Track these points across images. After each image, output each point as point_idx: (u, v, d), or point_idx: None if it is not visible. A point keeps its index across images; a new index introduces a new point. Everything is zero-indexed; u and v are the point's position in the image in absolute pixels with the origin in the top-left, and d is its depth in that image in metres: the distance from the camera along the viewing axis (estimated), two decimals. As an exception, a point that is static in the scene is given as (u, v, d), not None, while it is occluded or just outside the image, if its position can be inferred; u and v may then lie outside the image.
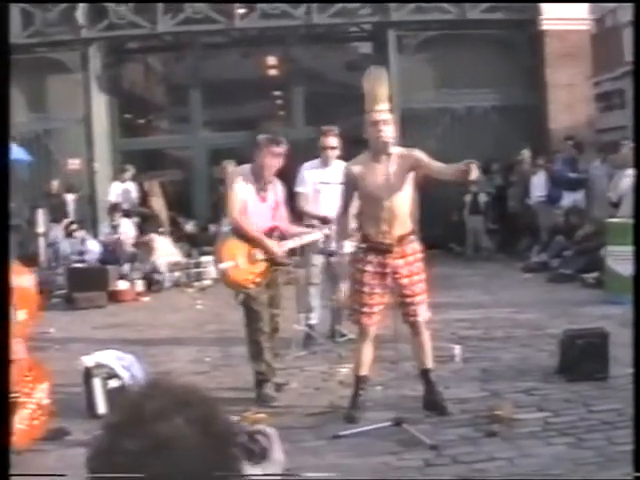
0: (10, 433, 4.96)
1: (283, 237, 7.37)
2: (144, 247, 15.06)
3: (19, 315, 6.10)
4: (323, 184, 8.93)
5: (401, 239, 6.43)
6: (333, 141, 9.01)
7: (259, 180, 7.28)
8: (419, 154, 6.48)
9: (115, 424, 1.46)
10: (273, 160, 7.26)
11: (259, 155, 7.26)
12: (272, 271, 7.28)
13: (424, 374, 6.74)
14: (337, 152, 9.01)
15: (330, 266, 9.02)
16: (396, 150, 6.39)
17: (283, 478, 1.74)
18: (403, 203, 6.42)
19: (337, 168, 8.65)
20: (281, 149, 7.31)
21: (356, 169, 6.46)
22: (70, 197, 16.91)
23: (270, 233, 7.27)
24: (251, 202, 7.22)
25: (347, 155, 9.10)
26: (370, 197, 6.37)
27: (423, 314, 6.59)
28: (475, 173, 5.95)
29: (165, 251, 15.21)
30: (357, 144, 6.78)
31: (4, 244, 5.01)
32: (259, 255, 7.15)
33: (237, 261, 7.11)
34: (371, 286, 6.41)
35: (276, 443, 1.72)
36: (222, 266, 7.19)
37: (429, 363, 6.73)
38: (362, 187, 6.40)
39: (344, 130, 9.29)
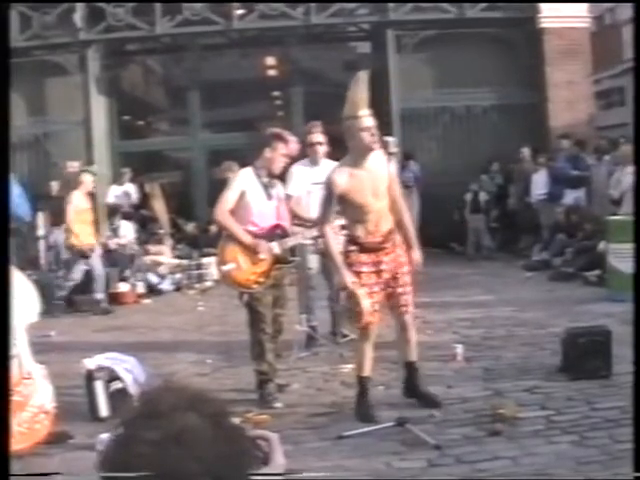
0: (9, 436, 4.94)
1: (285, 235, 7.35)
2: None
3: (16, 317, 6.10)
4: (314, 185, 8.83)
5: (388, 235, 6.50)
6: (319, 137, 8.90)
7: (266, 177, 7.27)
8: (394, 180, 6.61)
9: (133, 418, 1.50)
10: (284, 153, 7.26)
11: (269, 150, 7.24)
12: (275, 270, 7.25)
13: (410, 366, 6.78)
14: (325, 148, 8.91)
15: (327, 267, 9.00)
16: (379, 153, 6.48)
17: (285, 478, 1.72)
18: (386, 201, 6.48)
19: (326, 167, 8.64)
20: (293, 140, 7.32)
21: (342, 177, 6.39)
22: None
23: (273, 231, 7.25)
24: (258, 201, 7.20)
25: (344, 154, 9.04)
26: (359, 201, 6.37)
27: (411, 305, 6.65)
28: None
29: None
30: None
31: (4, 245, 4.99)
32: (261, 255, 7.12)
33: (239, 262, 7.10)
34: (369, 286, 6.41)
35: (277, 448, 1.71)
36: (224, 268, 7.18)
37: (415, 356, 6.82)
38: (350, 192, 6.36)
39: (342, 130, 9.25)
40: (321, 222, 6.61)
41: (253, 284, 7.13)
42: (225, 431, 1.50)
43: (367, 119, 6.31)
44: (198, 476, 1.41)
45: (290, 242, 7.41)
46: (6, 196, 5.33)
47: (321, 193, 6.68)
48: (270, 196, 7.30)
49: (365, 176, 6.36)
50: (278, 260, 7.26)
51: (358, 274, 6.41)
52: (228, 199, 7.16)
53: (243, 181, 7.22)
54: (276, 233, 7.27)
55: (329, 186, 6.46)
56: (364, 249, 6.44)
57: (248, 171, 7.30)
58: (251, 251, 7.12)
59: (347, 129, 6.39)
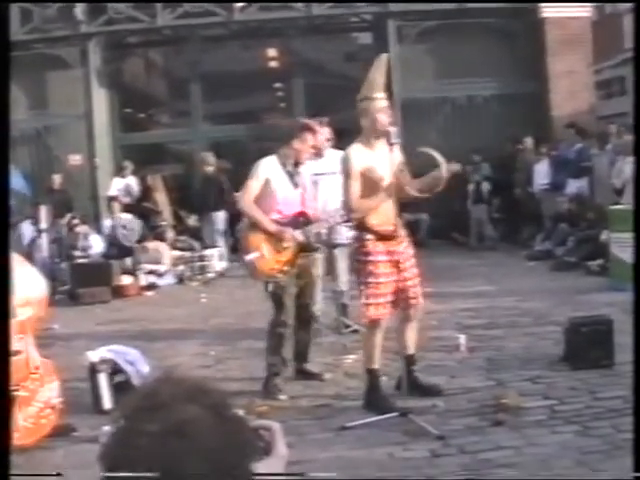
0: (10, 432, 4.95)
1: (308, 223, 7.29)
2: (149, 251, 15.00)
3: (25, 312, 6.10)
4: (318, 175, 8.80)
5: (397, 224, 6.47)
6: (326, 132, 8.90)
7: (291, 166, 7.26)
8: (401, 167, 6.54)
9: (133, 410, 1.49)
10: (313, 145, 7.30)
11: (297, 141, 7.24)
12: (301, 258, 7.23)
13: (410, 358, 6.77)
14: (330, 142, 8.92)
15: (332, 258, 8.99)
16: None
17: (287, 478, 1.72)
18: (397, 189, 6.41)
19: (331, 158, 8.60)
20: (323, 132, 7.31)
21: (358, 154, 6.40)
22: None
23: (296, 219, 7.20)
24: (283, 189, 7.18)
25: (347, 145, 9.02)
26: (374, 185, 6.33)
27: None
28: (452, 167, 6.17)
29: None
30: (357, 134, 6.72)
31: (4, 243, 4.99)
32: (285, 243, 7.10)
33: (263, 251, 7.07)
34: (386, 275, 6.39)
35: (280, 438, 1.71)
36: (248, 257, 7.15)
37: (415, 348, 6.83)
38: (365, 172, 6.36)
39: (345, 121, 9.24)
40: (356, 200, 6.44)
41: (277, 273, 7.08)
42: (226, 422, 1.49)
43: (382, 101, 6.33)
44: (199, 468, 1.41)
45: (314, 229, 7.36)
46: (6, 189, 5.31)
47: (342, 176, 6.60)
48: (296, 185, 7.28)
49: (376, 158, 6.35)
50: (302, 248, 7.23)
51: (375, 263, 6.38)
52: (252, 187, 7.14)
53: (267, 169, 7.20)
54: (300, 221, 7.22)
55: (347, 163, 6.43)
56: (380, 237, 6.41)
57: (272, 159, 7.28)
58: (275, 239, 7.08)
59: (362, 110, 6.41)
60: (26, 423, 6.03)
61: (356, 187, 6.38)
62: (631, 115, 13.27)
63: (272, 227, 7.10)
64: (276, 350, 7.21)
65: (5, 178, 5.40)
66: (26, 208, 15.48)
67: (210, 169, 16.45)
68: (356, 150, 6.47)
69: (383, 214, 6.38)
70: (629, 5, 24.03)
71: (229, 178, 15.75)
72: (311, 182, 8.71)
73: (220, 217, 15.94)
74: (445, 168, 6.32)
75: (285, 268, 7.10)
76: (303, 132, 7.28)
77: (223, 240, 15.84)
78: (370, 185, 6.35)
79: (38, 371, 6.26)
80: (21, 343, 6.07)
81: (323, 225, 7.58)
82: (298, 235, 7.13)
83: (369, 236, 6.42)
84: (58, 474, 1.75)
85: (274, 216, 7.17)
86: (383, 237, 6.40)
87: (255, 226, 7.15)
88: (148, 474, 1.38)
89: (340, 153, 8.33)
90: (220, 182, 16.02)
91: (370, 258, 6.41)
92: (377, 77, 6.38)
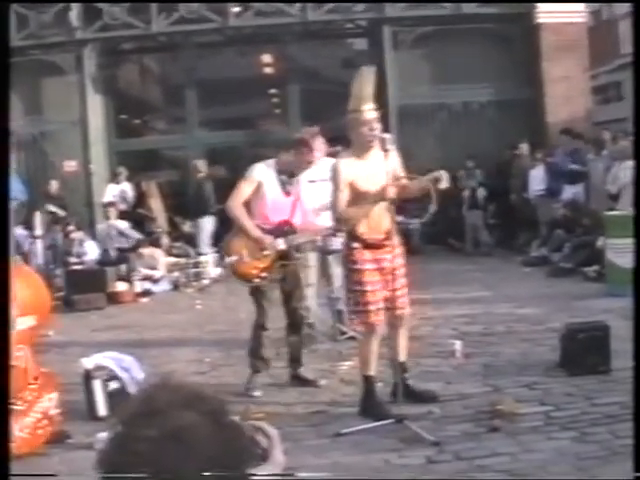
0: (9, 437, 4.92)
1: (292, 232, 7.30)
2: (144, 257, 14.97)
3: (26, 321, 6.06)
4: (310, 183, 8.74)
5: (389, 232, 6.45)
6: (321, 143, 8.85)
7: (287, 174, 7.29)
8: (398, 165, 6.54)
9: (131, 416, 1.49)
10: (308, 160, 7.29)
11: (294, 152, 7.31)
12: (281, 266, 7.26)
13: (402, 366, 6.75)
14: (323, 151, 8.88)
15: (326, 264, 8.97)
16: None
17: (284, 478, 1.71)
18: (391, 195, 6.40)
19: (322, 165, 8.57)
20: (320, 149, 7.41)
21: (346, 165, 6.40)
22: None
23: (281, 227, 7.23)
24: (274, 196, 7.22)
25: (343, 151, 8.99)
26: (364, 194, 6.33)
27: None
28: (445, 182, 6.13)
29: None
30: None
31: (4, 246, 4.97)
32: (264, 250, 7.11)
33: (242, 254, 7.10)
34: (373, 283, 6.38)
35: (277, 445, 1.70)
36: (228, 260, 7.19)
37: (406, 355, 6.81)
38: (353, 183, 6.34)
39: (340, 127, 9.20)
40: (341, 208, 6.43)
41: (255, 278, 7.15)
42: (223, 429, 1.48)
43: (368, 113, 6.31)
44: (197, 474, 1.40)
45: (297, 240, 7.37)
46: (7, 195, 5.29)
47: (330, 186, 6.59)
48: (288, 193, 7.31)
49: (367, 169, 6.34)
50: (282, 256, 7.25)
51: (362, 272, 6.39)
52: (243, 189, 7.20)
53: (261, 173, 7.24)
54: (284, 229, 7.24)
55: (335, 175, 6.42)
56: (367, 246, 6.41)
57: (269, 164, 7.32)
58: (256, 245, 7.13)
59: (349, 122, 6.41)
60: (22, 433, 6.00)
61: (343, 197, 6.37)
62: (627, 120, 13.30)
63: (254, 232, 7.14)
64: (256, 352, 7.38)
65: (5, 184, 5.38)
66: (22, 214, 15.46)
67: (201, 176, 16.44)
68: (345, 161, 6.48)
69: (373, 222, 6.39)
70: (625, 10, 24.07)
71: (224, 184, 15.74)
72: (303, 190, 8.68)
73: (204, 223, 15.92)
74: (433, 177, 6.33)
75: (263, 274, 7.15)
76: (300, 146, 7.30)
77: (208, 247, 15.80)
78: (359, 195, 6.34)
79: (37, 382, 6.22)
80: (21, 353, 6.03)
81: (307, 236, 7.58)
82: (278, 244, 7.17)
83: (356, 244, 6.43)
84: (53, 475, 1.74)
85: (260, 221, 7.20)
86: (371, 245, 6.40)
87: (239, 229, 7.22)
88: (145, 479, 1.37)
89: (332, 161, 8.32)
90: (204, 189, 16.03)
91: (357, 266, 6.42)
92: (364, 89, 6.37)
